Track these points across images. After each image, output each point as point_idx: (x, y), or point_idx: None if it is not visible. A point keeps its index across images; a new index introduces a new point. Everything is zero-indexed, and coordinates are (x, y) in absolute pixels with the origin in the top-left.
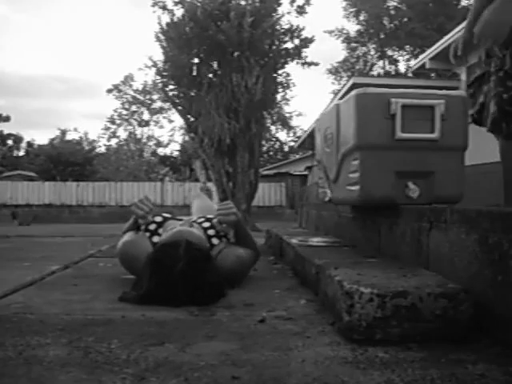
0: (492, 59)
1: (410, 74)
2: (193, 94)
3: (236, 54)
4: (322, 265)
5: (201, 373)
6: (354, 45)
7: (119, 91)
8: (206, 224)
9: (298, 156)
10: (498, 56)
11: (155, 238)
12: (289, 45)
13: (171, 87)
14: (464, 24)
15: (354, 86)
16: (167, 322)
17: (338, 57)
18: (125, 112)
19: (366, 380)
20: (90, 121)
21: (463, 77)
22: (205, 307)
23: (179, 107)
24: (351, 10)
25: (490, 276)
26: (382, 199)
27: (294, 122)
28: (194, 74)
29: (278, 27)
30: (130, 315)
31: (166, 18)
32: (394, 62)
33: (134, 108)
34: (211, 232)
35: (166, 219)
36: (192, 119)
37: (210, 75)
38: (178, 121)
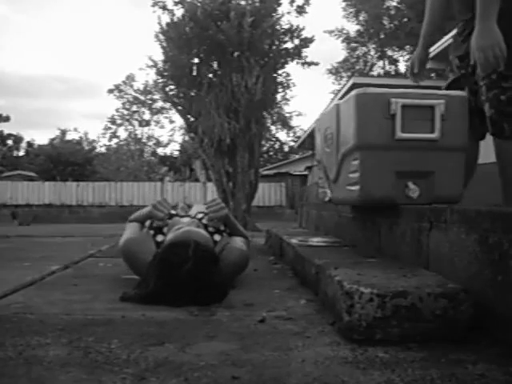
0: (464, 63)
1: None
2: (193, 94)
3: (236, 54)
4: (322, 265)
5: (201, 373)
6: (353, 45)
7: (120, 91)
8: (206, 220)
9: (297, 156)
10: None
11: (159, 237)
12: (289, 45)
13: (171, 87)
14: (420, 42)
15: (353, 86)
16: (167, 322)
17: (338, 57)
18: (126, 112)
19: (366, 380)
20: (90, 121)
21: None
22: (205, 307)
23: (179, 107)
24: (351, 10)
25: (489, 276)
26: (382, 199)
27: (293, 122)
28: (194, 74)
29: (277, 27)
30: (130, 315)
31: (166, 18)
32: (394, 62)
33: (134, 108)
34: (212, 229)
35: (170, 216)
36: (192, 119)
37: (210, 75)
38: (179, 121)
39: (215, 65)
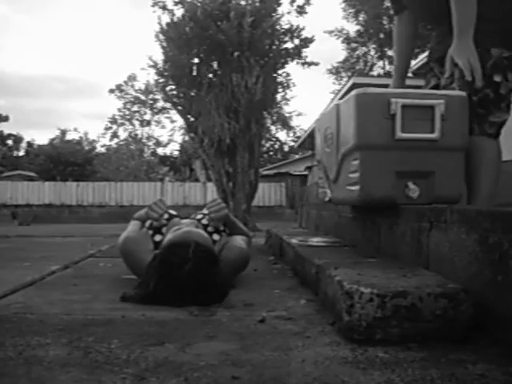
0: (444, 68)
1: (409, 74)
2: (193, 94)
3: (236, 54)
4: (322, 265)
5: (201, 373)
6: (353, 45)
7: (121, 91)
8: (205, 221)
9: (297, 156)
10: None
11: (157, 237)
12: (289, 45)
13: (171, 87)
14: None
15: (353, 86)
16: (167, 322)
17: (338, 57)
18: (127, 112)
19: (366, 380)
20: (90, 121)
21: None
22: (205, 307)
23: (179, 107)
24: (350, 10)
25: (489, 276)
26: (382, 199)
27: (293, 122)
28: (194, 74)
29: (278, 27)
30: (130, 315)
31: (166, 18)
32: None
33: (135, 108)
34: (211, 229)
35: (170, 217)
36: (192, 119)
37: (210, 75)
38: (179, 121)
39: (215, 65)
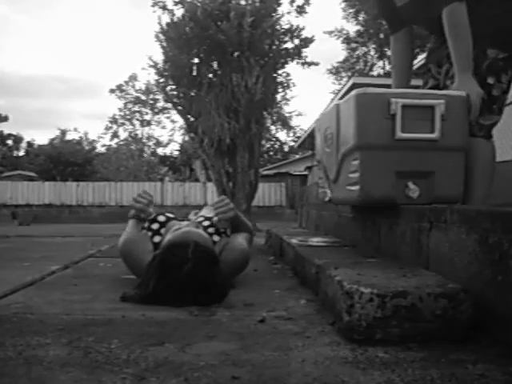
0: (441, 69)
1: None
2: (193, 94)
3: (236, 54)
4: (322, 265)
5: (201, 373)
6: (353, 45)
7: (122, 91)
8: (206, 223)
9: (297, 156)
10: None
11: (156, 238)
12: (289, 45)
13: (171, 87)
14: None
15: (354, 86)
16: (167, 322)
17: (338, 57)
18: (127, 112)
19: (366, 380)
20: (90, 121)
21: None
22: (205, 307)
23: (179, 107)
24: (350, 10)
25: (489, 276)
26: (382, 199)
27: (293, 122)
28: (194, 74)
29: (278, 27)
30: (130, 315)
31: (166, 18)
32: None
33: (136, 108)
34: (211, 230)
35: (168, 219)
36: (192, 119)
37: (210, 75)
38: (180, 121)
39: (215, 65)
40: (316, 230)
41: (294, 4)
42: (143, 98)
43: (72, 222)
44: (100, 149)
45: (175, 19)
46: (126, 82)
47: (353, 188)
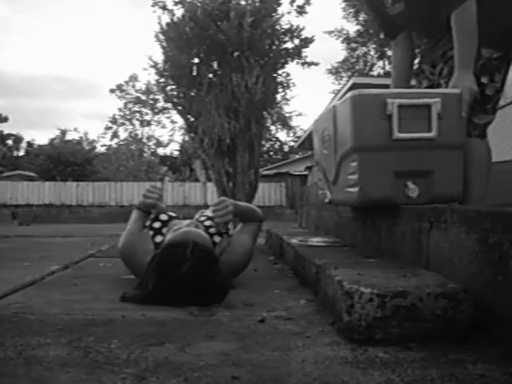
0: (436, 69)
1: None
2: (193, 94)
3: (236, 53)
4: (322, 265)
5: (201, 373)
6: (353, 45)
7: (122, 91)
8: (208, 222)
9: (297, 156)
10: (454, 59)
11: (158, 238)
12: (289, 45)
13: (171, 87)
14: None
15: (354, 86)
16: (167, 322)
17: (338, 57)
18: (127, 112)
19: (366, 380)
20: (90, 121)
21: None
22: (205, 307)
23: (179, 107)
24: (351, 10)
25: (489, 276)
26: (382, 200)
27: (294, 122)
28: (194, 74)
29: (278, 27)
30: (130, 315)
31: (166, 18)
32: None
33: (136, 108)
34: (212, 230)
35: (170, 218)
36: (192, 119)
37: (210, 75)
38: (180, 121)
39: (215, 65)
40: (316, 229)
41: (294, 4)
42: (143, 98)
43: (72, 222)
44: (100, 149)
45: (175, 19)
46: (126, 82)
47: (352, 190)
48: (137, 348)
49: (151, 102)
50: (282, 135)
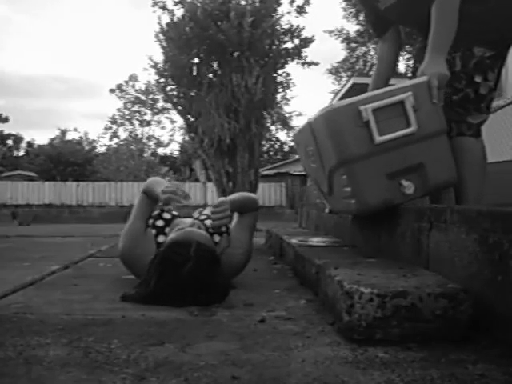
0: None
1: (409, 74)
2: (193, 94)
3: (236, 54)
4: (322, 265)
5: (201, 373)
6: (353, 45)
7: (121, 91)
8: (208, 222)
9: (297, 156)
10: (447, 59)
11: (161, 238)
12: (289, 45)
13: (171, 87)
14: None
15: (353, 86)
16: (167, 322)
17: (338, 57)
18: (127, 112)
19: (366, 380)
20: (90, 121)
21: None
22: (205, 307)
23: (179, 107)
24: (351, 10)
25: (489, 276)
26: (381, 204)
27: (293, 122)
28: (194, 73)
29: (278, 27)
30: (130, 315)
31: (166, 18)
32: None
33: (135, 108)
34: (212, 229)
35: (173, 217)
36: (192, 119)
37: (210, 75)
38: (179, 121)
39: (215, 65)
40: (316, 230)
41: (294, 4)
42: (143, 98)
43: (72, 222)
44: (100, 149)
45: (175, 19)
46: (126, 82)
47: (349, 201)
48: (137, 348)
49: (151, 102)
50: (282, 135)
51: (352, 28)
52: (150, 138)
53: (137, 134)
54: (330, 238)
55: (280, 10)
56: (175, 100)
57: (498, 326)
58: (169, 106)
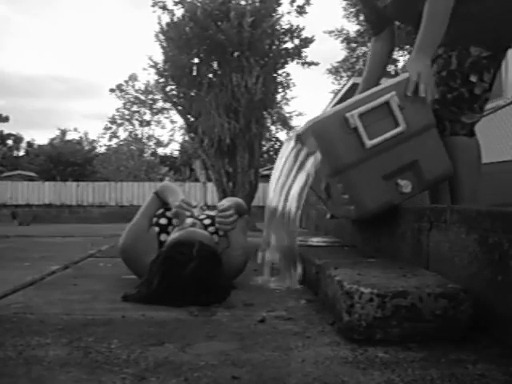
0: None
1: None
2: (193, 94)
3: (236, 54)
4: (322, 265)
5: (201, 373)
6: (353, 45)
7: (121, 91)
8: (207, 221)
9: None
10: (443, 57)
11: (163, 237)
12: (289, 45)
13: (171, 87)
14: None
15: (354, 86)
16: (167, 322)
17: (338, 57)
18: (127, 112)
19: (366, 380)
20: (90, 121)
21: None
22: (205, 307)
23: (179, 107)
24: (351, 10)
25: (489, 276)
26: (381, 207)
27: (293, 122)
28: (194, 73)
29: (277, 27)
30: (130, 315)
31: (166, 18)
32: (394, 61)
33: (135, 108)
34: (211, 229)
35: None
36: (192, 119)
37: (210, 75)
38: (179, 121)
39: (215, 65)
40: (316, 229)
41: (294, 4)
42: (142, 98)
43: (72, 222)
44: (100, 149)
45: (175, 19)
46: (126, 82)
47: (348, 207)
48: (137, 348)
49: (150, 101)
50: (282, 135)
51: (352, 28)
52: (149, 137)
53: (137, 134)
54: (330, 238)
55: (280, 10)
56: (175, 100)
57: (497, 326)
58: (168, 106)
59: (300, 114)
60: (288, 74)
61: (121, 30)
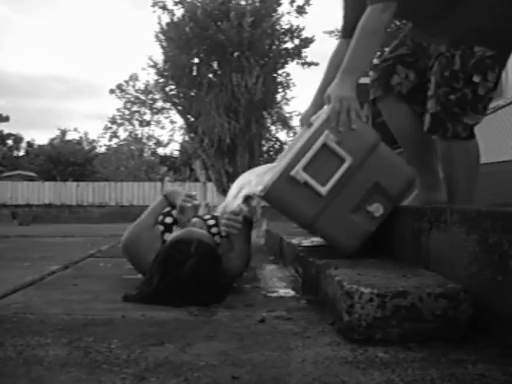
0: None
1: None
2: (193, 94)
3: (236, 54)
4: (322, 265)
5: (201, 373)
6: None
7: (121, 91)
8: (211, 221)
9: None
10: (445, 55)
11: (166, 236)
12: (289, 45)
13: (171, 87)
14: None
15: None
16: (167, 322)
17: None
18: (127, 112)
19: (366, 380)
20: (90, 121)
21: None
22: (205, 307)
23: (179, 107)
24: None
25: (489, 276)
26: (360, 240)
27: (293, 122)
28: (194, 73)
29: (277, 27)
30: (130, 315)
31: (166, 18)
32: None
33: (135, 108)
34: (214, 230)
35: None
36: (192, 119)
37: (210, 75)
38: (179, 121)
39: (215, 65)
40: None
41: (294, 4)
42: (142, 97)
43: (72, 222)
44: (100, 149)
45: (175, 19)
46: (126, 82)
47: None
48: (137, 348)
49: (150, 101)
50: (282, 135)
51: None
52: (149, 137)
53: (137, 134)
54: None
55: (280, 10)
56: (175, 100)
57: (497, 326)
58: (168, 105)
59: (300, 114)
60: (288, 74)
61: (121, 30)
